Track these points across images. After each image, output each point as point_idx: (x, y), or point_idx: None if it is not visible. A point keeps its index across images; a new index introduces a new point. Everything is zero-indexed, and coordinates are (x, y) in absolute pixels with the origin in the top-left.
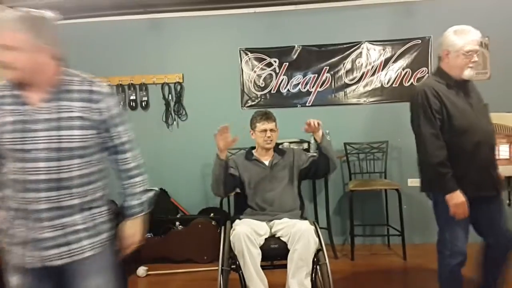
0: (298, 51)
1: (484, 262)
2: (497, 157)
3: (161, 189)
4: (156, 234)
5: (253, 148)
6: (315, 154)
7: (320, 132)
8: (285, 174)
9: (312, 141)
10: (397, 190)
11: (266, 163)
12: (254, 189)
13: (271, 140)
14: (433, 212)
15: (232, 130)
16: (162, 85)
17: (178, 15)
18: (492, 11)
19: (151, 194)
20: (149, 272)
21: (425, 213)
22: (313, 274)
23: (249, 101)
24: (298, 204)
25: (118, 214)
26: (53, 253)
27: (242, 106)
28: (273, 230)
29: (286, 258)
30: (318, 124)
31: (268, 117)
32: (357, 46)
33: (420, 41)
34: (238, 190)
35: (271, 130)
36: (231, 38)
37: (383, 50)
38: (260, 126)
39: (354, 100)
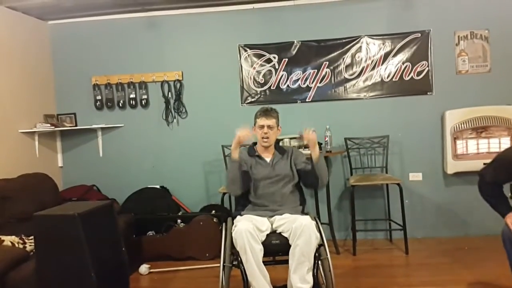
0: (298, 46)
1: None
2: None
3: (162, 186)
4: (158, 232)
5: (255, 144)
6: (308, 161)
7: (317, 150)
8: (287, 171)
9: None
10: (398, 184)
11: (268, 160)
12: (256, 185)
13: (268, 138)
14: (434, 206)
15: (231, 127)
16: (162, 83)
17: (176, 12)
18: (492, 4)
19: None
20: (151, 270)
21: (426, 208)
22: (315, 269)
23: (249, 98)
24: (299, 199)
25: (120, 213)
26: None
27: (241, 103)
28: (274, 226)
29: (287, 254)
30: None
31: (267, 113)
32: (356, 41)
33: (419, 34)
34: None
35: (268, 126)
36: (230, 35)
37: (383, 44)
38: (259, 121)
39: (354, 95)
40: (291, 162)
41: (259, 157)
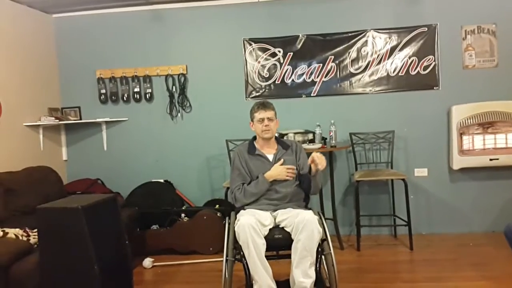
0: (303, 40)
1: None
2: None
3: (166, 181)
4: (162, 226)
5: (255, 138)
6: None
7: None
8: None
9: (317, 131)
10: (403, 180)
11: (270, 157)
12: None
13: (269, 130)
14: (439, 202)
15: (236, 122)
16: (166, 76)
17: (180, 5)
18: None
19: None
20: (155, 264)
21: (431, 203)
22: (318, 264)
23: (253, 92)
24: (302, 194)
25: (124, 206)
26: None
27: (246, 97)
28: (277, 220)
29: (290, 248)
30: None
31: (265, 106)
32: (362, 35)
33: (426, 28)
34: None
35: (268, 118)
36: (234, 28)
37: (389, 38)
38: (258, 115)
39: (360, 90)
40: (297, 158)
41: (261, 155)
